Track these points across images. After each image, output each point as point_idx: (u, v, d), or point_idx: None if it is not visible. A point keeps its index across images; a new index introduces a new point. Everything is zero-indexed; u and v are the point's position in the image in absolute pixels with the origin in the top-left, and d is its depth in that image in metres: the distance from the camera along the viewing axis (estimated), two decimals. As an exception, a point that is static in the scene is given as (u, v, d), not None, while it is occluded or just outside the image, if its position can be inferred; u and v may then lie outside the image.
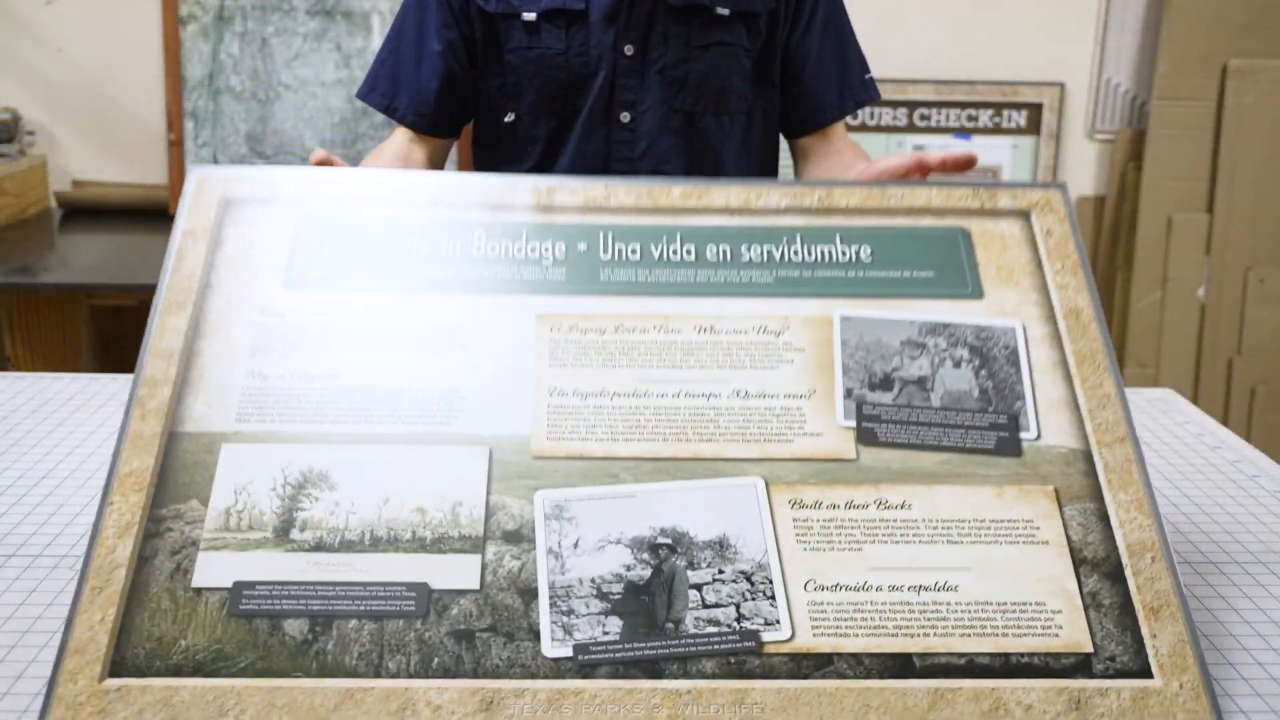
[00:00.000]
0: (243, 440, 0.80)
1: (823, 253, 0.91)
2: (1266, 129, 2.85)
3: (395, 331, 0.86)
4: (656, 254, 0.90)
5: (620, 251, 0.90)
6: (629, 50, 1.42)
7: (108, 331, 2.39)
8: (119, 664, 0.71)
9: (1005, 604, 0.75)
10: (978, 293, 0.89)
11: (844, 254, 0.91)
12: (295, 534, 0.77)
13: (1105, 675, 0.73)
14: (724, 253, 0.90)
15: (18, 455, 1.12)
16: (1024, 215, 0.93)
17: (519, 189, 0.93)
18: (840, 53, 1.51)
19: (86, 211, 2.76)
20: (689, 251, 0.90)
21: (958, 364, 0.86)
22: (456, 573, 0.75)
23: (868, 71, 1.54)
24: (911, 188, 0.94)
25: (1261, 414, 2.91)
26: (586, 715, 0.70)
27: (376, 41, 2.72)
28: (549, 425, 0.82)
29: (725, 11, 1.42)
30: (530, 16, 1.42)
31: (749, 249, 0.91)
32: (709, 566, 0.76)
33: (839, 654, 0.73)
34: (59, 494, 1.04)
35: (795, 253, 0.91)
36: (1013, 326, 0.88)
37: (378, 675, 0.71)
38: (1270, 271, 2.90)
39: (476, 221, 0.91)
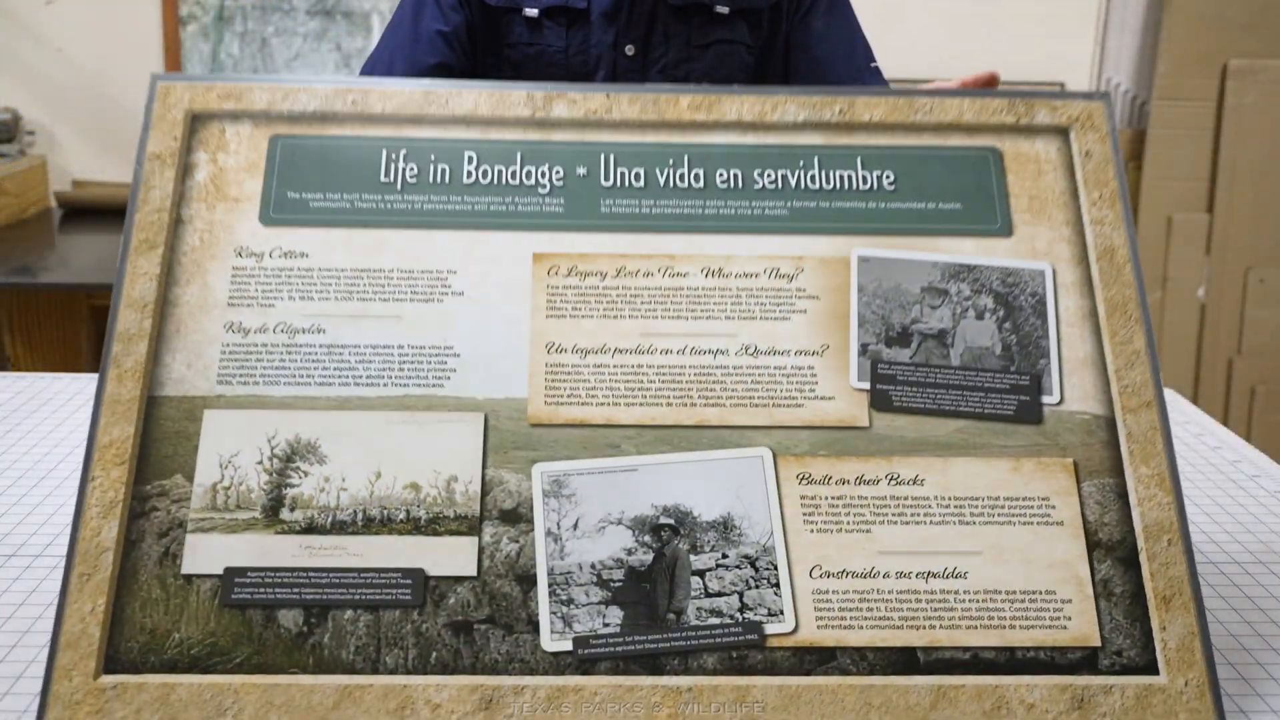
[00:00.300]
0: (225, 406, 0.77)
1: (842, 179, 0.84)
2: (1266, 129, 2.84)
3: (381, 276, 0.80)
4: (662, 180, 0.84)
5: (623, 177, 0.84)
6: (630, 50, 1.42)
7: (107, 332, 2.38)
8: (113, 659, 0.70)
9: (1014, 593, 0.74)
10: (1007, 229, 0.83)
11: (864, 181, 0.84)
12: (285, 514, 0.74)
13: (1111, 671, 0.71)
14: (735, 178, 0.84)
15: (18, 455, 1.11)
16: (1062, 133, 0.86)
17: (512, 101, 0.84)
18: (847, 33, 1.50)
19: (86, 211, 2.76)
20: (697, 177, 0.84)
21: (980, 315, 0.81)
22: (453, 557, 0.73)
23: (873, 60, 1.53)
24: (942, 99, 0.86)
25: (1261, 414, 2.90)
26: (586, 713, 0.69)
27: (376, 41, 2.73)
28: (547, 387, 0.78)
29: (725, 10, 1.42)
30: (532, 12, 1.41)
31: (762, 174, 0.84)
32: (712, 550, 0.74)
33: (842, 648, 0.71)
34: (59, 494, 1.03)
35: (812, 179, 0.84)
36: (1042, 270, 0.82)
37: (375, 671, 0.70)
38: (1270, 271, 2.89)
39: (467, 141, 0.84)
